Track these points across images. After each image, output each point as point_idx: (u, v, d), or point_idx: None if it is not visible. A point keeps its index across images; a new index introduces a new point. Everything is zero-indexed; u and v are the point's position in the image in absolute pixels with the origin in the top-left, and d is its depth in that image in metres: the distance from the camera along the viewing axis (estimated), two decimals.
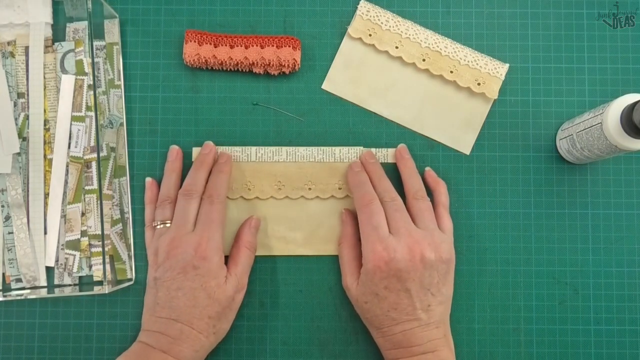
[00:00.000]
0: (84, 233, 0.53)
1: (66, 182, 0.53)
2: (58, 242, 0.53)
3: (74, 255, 0.52)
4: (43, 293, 0.51)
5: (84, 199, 0.53)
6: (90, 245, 0.53)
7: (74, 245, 0.52)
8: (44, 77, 0.54)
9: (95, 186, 0.53)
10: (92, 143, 0.53)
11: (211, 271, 0.48)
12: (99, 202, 0.52)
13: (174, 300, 0.47)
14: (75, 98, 0.53)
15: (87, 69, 0.54)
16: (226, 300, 0.48)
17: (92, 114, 0.53)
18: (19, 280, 0.52)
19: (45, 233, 0.53)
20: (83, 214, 0.53)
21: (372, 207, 0.49)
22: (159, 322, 0.47)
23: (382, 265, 0.47)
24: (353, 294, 0.50)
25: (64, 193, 0.53)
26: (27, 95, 0.54)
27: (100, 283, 0.52)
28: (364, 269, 0.48)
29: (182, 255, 0.47)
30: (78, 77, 0.54)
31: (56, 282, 0.53)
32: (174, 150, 0.53)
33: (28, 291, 0.52)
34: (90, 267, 0.53)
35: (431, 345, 0.46)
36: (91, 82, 0.53)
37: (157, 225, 0.51)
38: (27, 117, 0.53)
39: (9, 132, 0.52)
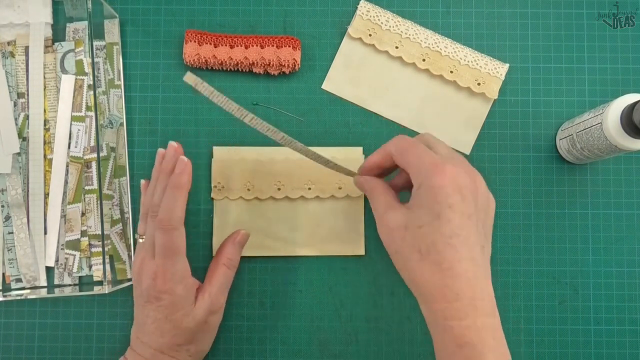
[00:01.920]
0: (84, 233, 0.53)
1: (66, 182, 0.53)
2: (58, 242, 0.53)
3: (74, 255, 0.52)
4: (43, 293, 0.51)
5: (84, 199, 0.53)
6: (90, 245, 0.53)
7: (74, 245, 0.53)
8: (44, 77, 0.54)
9: (95, 186, 0.53)
10: (92, 143, 0.53)
11: (175, 303, 0.45)
12: (99, 202, 0.52)
13: (146, 327, 0.46)
14: (75, 98, 0.53)
15: (87, 69, 0.54)
16: (197, 326, 0.46)
17: (92, 113, 0.53)
18: (19, 280, 0.52)
19: (45, 233, 0.53)
20: (83, 214, 0.53)
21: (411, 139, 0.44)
22: (138, 343, 0.47)
23: (447, 181, 0.39)
24: (400, 220, 0.40)
25: (64, 193, 0.53)
26: (27, 95, 0.54)
27: (100, 283, 0.52)
28: (421, 185, 0.40)
29: (145, 284, 0.45)
30: (78, 77, 0.54)
31: (56, 282, 0.53)
32: (171, 148, 0.48)
33: (28, 291, 0.52)
34: (90, 267, 0.53)
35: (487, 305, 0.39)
36: (91, 82, 0.53)
37: (138, 237, 0.48)
38: (27, 117, 0.53)
39: (9, 132, 0.52)
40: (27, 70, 0.54)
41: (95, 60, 0.54)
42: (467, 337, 0.37)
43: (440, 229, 0.38)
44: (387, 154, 0.44)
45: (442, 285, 0.38)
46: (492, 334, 0.38)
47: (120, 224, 0.53)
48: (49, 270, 0.53)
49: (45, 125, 0.54)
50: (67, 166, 0.53)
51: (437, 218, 0.38)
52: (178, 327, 0.46)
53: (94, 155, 0.53)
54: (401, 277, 0.42)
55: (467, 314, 0.37)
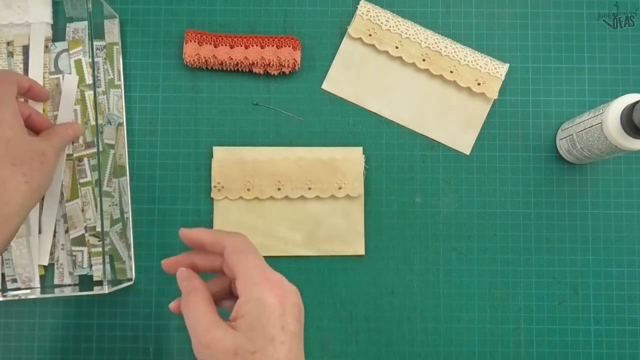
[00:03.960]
0: (87, 229, 0.53)
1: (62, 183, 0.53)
2: (55, 240, 0.53)
3: (82, 251, 0.52)
4: (37, 293, 0.51)
5: (81, 192, 0.53)
6: (90, 245, 0.53)
7: (80, 241, 0.52)
8: (44, 77, 0.54)
9: (89, 178, 0.53)
10: (88, 139, 0.53)
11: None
12: (94, 195, 0.52)
13: None
14: (83, 111, 0.54)
15: (87, 68, 0.54)
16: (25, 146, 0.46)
17: (79, 107, 0.53)
18: (14, 280, 0.52)
19: (40, 232, 0.52)
20: (82, 210, 0.53)
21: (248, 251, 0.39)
22: None
23: (279, 299, 0.36)
24: (229, 343, 0.35)
25: (61, 193, 0.53)
26: None
27: (100, 283, 0.52)
28: (250, 300, 0.36)
29: None
30: (82, 87, 0.53)
31: (56, 282, 0.53)
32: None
33: (28, 291, 0.52)
34: (90, 266, 0.53)
35: None
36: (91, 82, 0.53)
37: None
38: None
39: None
40: (25, 70, 0.54)
41: (96, 60, 0.54)
42: None
43: (275, 354, 0.35)
44: (219, 243, 0.39)
45: None
46: None
47: (120, 224, 0.53)
48: (49, 270, 0.53)
49: None
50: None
51: (271, 342, 0.35)
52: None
53: (87, 151, 0.53)
54: None
55: None
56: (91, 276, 0.53)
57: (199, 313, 0.36)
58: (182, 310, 0.38)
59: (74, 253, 0.53)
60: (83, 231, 0.53)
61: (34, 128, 0.50)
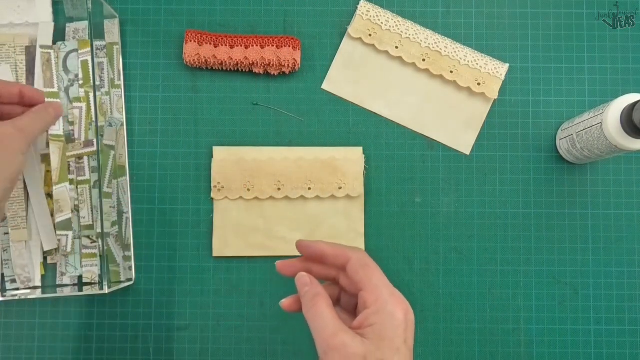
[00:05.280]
0: (81, 227, 0.53)
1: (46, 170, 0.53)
2: (53, 224, 0.52)
3: (67, 236, 0.52)
4: (37, 293, 0.51)
5: (77, 189, 0.53)
6: (82, 246, 0.52)
7: (66, 225, 0.52)
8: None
9: (87, 177, 0.53)
10: (84, 137, 0.53)
11: None
12: (90, 194, 0.53)
13: None
14: (45, 73, 0.53)
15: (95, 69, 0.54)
16: None
17: (83, 105, 0.53)
18: (13, 280, 0.52)
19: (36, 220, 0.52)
20: (77, 208, 0.53)
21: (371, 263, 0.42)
22: None
23: (403, 315, 0.38)
24: (359, 348, 0.37)
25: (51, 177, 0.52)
26: None
27: (89, 284, 0.52)
28: (379, 312, 0.38)
29: None
30: (43, 50, 0.53)
31: (56, 282, 0.53)
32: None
33: (28, 291, 0.52)
34: (82, 266, 0.52)
35: None
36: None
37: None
38: None
39: None
40: (26, 70, 0.54)
41: (100, 60, 0.54)
42: None
43: None
44: (343, 257, 0.41)
45: None
46: None
47: (117, 226, 0.53)
48: (49, 270, 0.53)
49: None
50: (48, 145, 0.52)
51: (397, 353, 0.37)
52: None
53: (86, 150, 0.53)
54: None
55: None
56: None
57: (326, 317, 0.38)
58: (307, 314, 0.40)
59: (58, 237, 0.52)
60: (69, 215, 0.52)
61: (30, 105, 0.49)
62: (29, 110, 0.48)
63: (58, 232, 0.52)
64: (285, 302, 0.43)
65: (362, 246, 0.54)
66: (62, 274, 0.53)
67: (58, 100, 0.52)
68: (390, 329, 0.37)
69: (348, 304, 0.43)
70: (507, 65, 0.55)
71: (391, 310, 0.38)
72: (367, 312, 0.38)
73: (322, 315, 0.38)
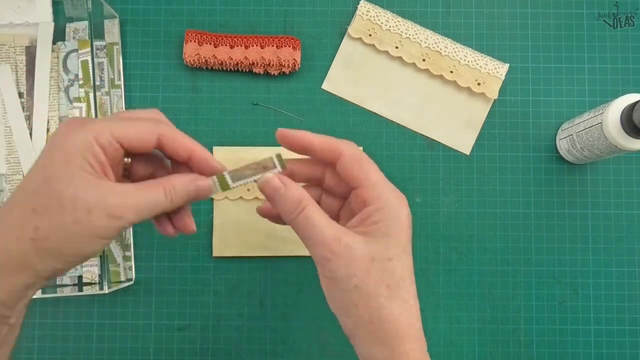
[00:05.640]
0: None
1: None
2: None
3: None
4: (38, 293, 0.51)
5: None
6: None
7: None
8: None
9: None
10: None
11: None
12: None
13: None
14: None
15: (96, 70, 0.54)
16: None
17: (83, 105, 0.53)
18: None
19: None
20: None
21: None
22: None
23: (407, 215, 0.36)
24: (364, 248, 0.34)
25: None
26: (27, 94, 0.54)
27: (89, 284, 0.52)
28: (382, 209, 0.35)
29: None
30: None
31: (56, 282, 0.53)
32: None
33: None
34: (82, 266, 0.52)
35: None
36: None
37: None
38: (27, 117, 0.53)
39: (21, 134, 0.52)
40: (26, 70, 0.54)
41: (100, 60, 0.54)
42: None
43: (407, 262, 0.35)
44: (334, 150, 0.37)
45: (408, 325, 0.34)
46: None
47: None
48: None
49: (47, 123, 0.53)
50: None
51: (404, 251, 0.35)
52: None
53: None
54: (345, 318, 0.36)
55: (425, 354, 0.35)
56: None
57: (321, 223, 0.34)
58: (293, 222, 0.35)
59: None
60: None
61: (171, 158, 0.37)
62: (156, 181, 0.35)
63: None
64: (264, 207, 0.39)
65: None
66: (62, 274, 0.53)
67: (210, 181, 0.37)
68: (396, 226, 0.35)
69: (330, 207, 0.39)
70: (507, 65, 0.55)
71: (395, 207, 0.35)
72: (369, 210, 0.35)
73: (314, 221, 0.34)
